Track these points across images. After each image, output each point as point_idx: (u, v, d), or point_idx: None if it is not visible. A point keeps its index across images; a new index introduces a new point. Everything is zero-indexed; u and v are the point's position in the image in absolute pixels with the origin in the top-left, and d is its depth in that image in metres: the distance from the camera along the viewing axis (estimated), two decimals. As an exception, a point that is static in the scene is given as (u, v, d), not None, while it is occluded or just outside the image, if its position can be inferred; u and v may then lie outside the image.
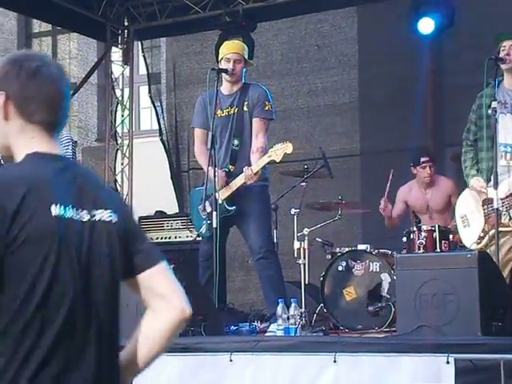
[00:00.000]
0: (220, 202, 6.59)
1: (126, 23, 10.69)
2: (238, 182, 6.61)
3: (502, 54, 5.90)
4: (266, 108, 6.70)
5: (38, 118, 2.23)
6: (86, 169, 2.41)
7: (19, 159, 2.25)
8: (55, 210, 2.14)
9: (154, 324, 2.32)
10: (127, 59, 10.75)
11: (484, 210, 5.97)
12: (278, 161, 6.47)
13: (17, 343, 2.08)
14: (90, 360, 2.17)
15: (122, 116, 10.81)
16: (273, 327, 6.30)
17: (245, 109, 6.70)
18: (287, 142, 6.42)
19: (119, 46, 10.80)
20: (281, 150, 6.41)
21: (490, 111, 5.83)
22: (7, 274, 2.08)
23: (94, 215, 2.22)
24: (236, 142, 6.72)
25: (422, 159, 7.70)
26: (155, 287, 2.31)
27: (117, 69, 10.90)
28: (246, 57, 6.89)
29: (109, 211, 2.25)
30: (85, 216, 2.21)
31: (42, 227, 2.11)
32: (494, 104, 5.78)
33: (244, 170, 6.51)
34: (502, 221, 5.83)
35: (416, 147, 8.46)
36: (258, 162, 6.51)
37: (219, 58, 6.88)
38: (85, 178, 2.28)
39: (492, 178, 5.76)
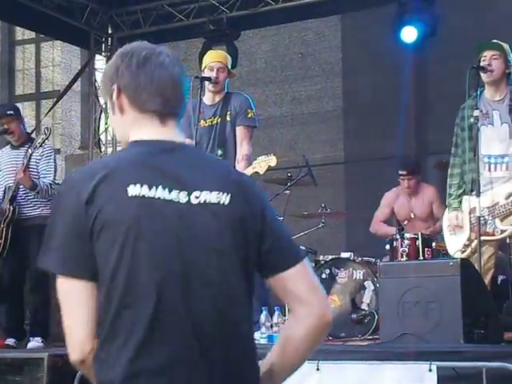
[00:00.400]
0: None
1: (109, 31, 10.68)
2: None
3: (482, 64, 5.93)
4: (249, 116, 6.71)
5: (150, 106, 2.15)
6: (197, 152, 2.26)
7: None
8: (133, 190, 2.01)
9: (295, 330, 2.15)
10: (111, 67, 10.73)
11: (470, 218, 6.00)
12: (261, 173, 6.44)
13: (110, 342, 1.99)
14: (194, 361, 2.00)
15: (106, 124, 10.79)
16: (256, 335, 6.30)
17: (227, 118, 6.71)
18: (271, 155, 6.38)
19: (103, 53, 10.79)
20: (264, 163, 6.38)
21: (472, 120, 5.85)
22: (98, 263, 2.00)
23: (198, 197, 2.05)
24: (219, 152, 6.72)
25: (400, 172, 7.74)
26: (293, 290, 2.13)
27: (100, 76, 10.86)
28: (230, 66, 6.91)
29: (218, 193, 2.06)
30: (183, 197, 2.05)
31: (118, 210, 2.01)
32: (476, 112, 5.80)
33: None
34: (487, 229, 5.85)
35: (399, 156, 8.50)
36: (243, 171, 6.51)
37: (203, 67, 6.89)
38: (192, 160, 2.14)
39: (475, 188, 5.79)
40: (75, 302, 2.03)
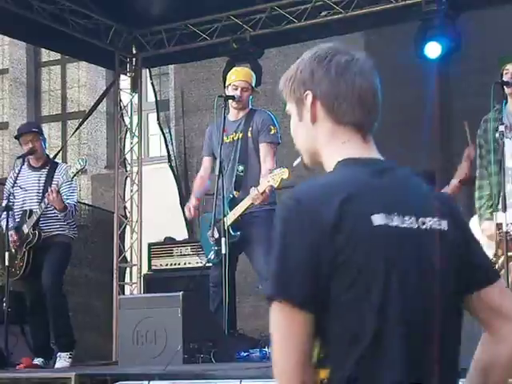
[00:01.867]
0: (225, 227, 6.62)
1: (134, 51, 10.76)
2: (243, 204, 6.63)
3: (505, 78, 5.92)
4: (272, 132, 6.75)
5: (349, 118, 2.00)
6: (405, 172, 2.06)
7: (329, 167, 2.02)
8: (377, 219, 1.89)
9: (500, 350, 2.02)
10: (135, 87, 10.81)
11: (496, 235, 5.95)
12: (275, 186, 6.49)
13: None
14: None
15: (131, 143, 10.85)
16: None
17: (249, 135, 6.75)
18: (284, 168, 6.42)
19: (128, 73, 10.85)
20: (278, 176, 6.43)
21: (497, 135, 5.84)
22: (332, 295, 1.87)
23: (424, 223, 1.96)
24: (241, 167, 6.76)
25: None
26: (498, 306, 2.02)
27: (125, 96, 10.95)
28: (254, 84, 6.94)
29: (437, 218, 1.97)
30: (414, 223, 1.94)
31: (364, 239, 1.87)
32: (501, 128, 5.79)
33: (250, 190, 6.53)
34: (515, 245, 5.82)
35: (424, 172, 8.45)
36: (261, 184, 6.55)
37: (226, 84, 6.93)
38: (406, 182, 2.03)
39: (500, 201, 5.76)
40: None
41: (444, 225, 1.98)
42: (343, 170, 1.98)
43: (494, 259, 5.93)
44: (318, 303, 1.85)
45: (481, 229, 6.07)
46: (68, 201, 7.09)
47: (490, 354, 2.03)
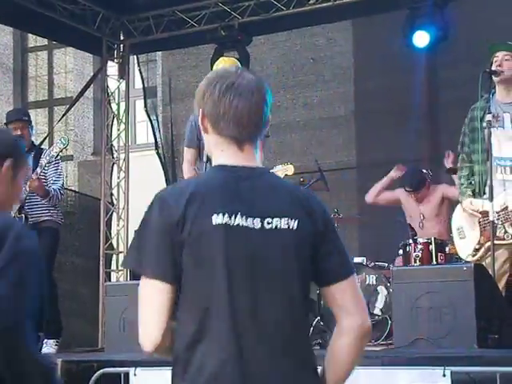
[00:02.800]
0: None
1: (121, 37, 10.71)
2: None
3: (494, 66, 5.92)
4: None
5: (227, 132, 2.38)
6: (272, 178, 2.46)
7: None
8: (217, 218, 2.27)
9: (341, 341, 2.40)
10: (123, 73, 10.76)
11: (480, 222, 5.98)
12: None
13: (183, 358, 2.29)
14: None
15: (118, 130, 10.82)
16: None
17: None
18: (288, 164, 6.44)
19: (115, 60, 10.81)
20: (281, 172, 6.43)
21: (484, 124, 5.84)
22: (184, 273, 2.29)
23: (270, 223, 2.30)
24: None
25: (407, 188, 7.86)
26: (341, 301, 2.37)
27: (113, 83, 10.91)
28: None
29: (286, 219, 2.30)
30: (257, 224, 2.29)
31: (202, 235, 2.26)
32: (488, 117, 5.79)
33: None
34: (497, 234, 5.83)
35: (412, 160, 8.49)
36: None
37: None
38: (267, 186, 2.37)
39: (487, 190, 5.77)
40: None
41: (294, 225, 2.31)
42: (210, 173, 2.47)
43: (478, 246, 5.95)
44: (174, 276, 2.28)
45: (462, 207, 6.09)
46: (53, 186, 7.07)
47: (333, 346, 2.41)
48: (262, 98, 2.40)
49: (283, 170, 6.45)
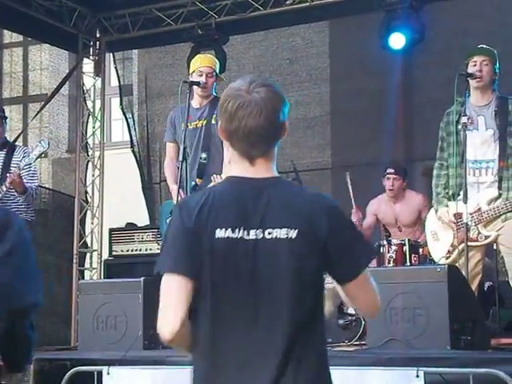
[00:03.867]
0: None
1: (97, 35, 10.67)
2: None
3: (471, 70, 5.96)
4: None
5: (238, 148, 2.54)
6: (283, 188, 2.55)
7: None
8: (220, 232, 2.41)
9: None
10: (99, 71, 10.72)
11: (455, 224, 6.01)
12: None
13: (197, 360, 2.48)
14: None
15: (93, 127, 10.77)
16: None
17: (213, 122, 6.70)
18: None
19: (91, 57, 10.77)
20: None
21: (460, 126, 5.88)
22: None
23: (271, 233, 2.41)
24: (204, 155, 6.72)
25: (388, 170, 7.78)
26: (353, 299, 2.58)
27: (88, 80, 10.87)
28: (218, 71, 6.92)
29: (285, 229, 2.40)
30: (258, 235, 2.41)
31: (208, 248, 2.41)
32: (463, 119, 5.83)
33: (212, 178, 6.48)
34: (471, 236, 5.88)
35: (386, 162, 8.52)
36: (225, 172, 6.49)
37: (191, 71, 6.89)
38: (275, 197, 2.46)
39: (461, 193, 5.81)
40: None
41: (293, 234, 2.40)
42: (224, 184, 2.60)
43: (451, 249, 5.99)
44: (194, 274, 2.42)
45: (437, 215, 6.12)
46: (29, 184, 7.04)
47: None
48: (273, 112, 2.51)
49: None
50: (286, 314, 2.39)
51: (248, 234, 2.42)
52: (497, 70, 6.03)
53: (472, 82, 5.96)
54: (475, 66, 5.94)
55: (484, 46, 6.09)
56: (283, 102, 2.55)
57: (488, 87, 6.00)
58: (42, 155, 7.13)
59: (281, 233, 2.40)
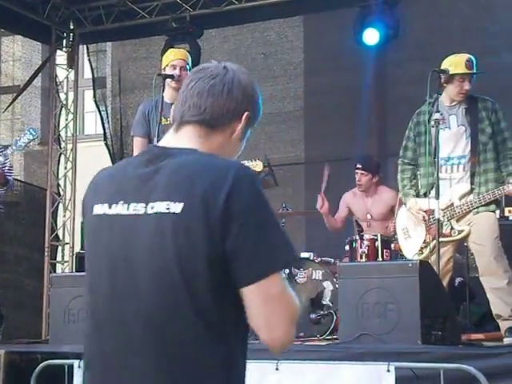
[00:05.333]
0: None
1: (71, 26, 10.60)
2: None
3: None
4: None
5: (175, 116, 2.21)
6: (189, 159, 2.06)
7: None
8: (97, 208, 2.09)
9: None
10: (72, 63, 10.66)
11: (425, 221, 6.05)
12: None
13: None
14: (131, 374, 1.99)
15: (66, 120, 10.71)
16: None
17: None
18: (257, 161, 6.42)
19: (64, 49, 10.71)
20: None
21: (432, 123, 5.91)
22: None
23: (153, 207, 2.00)
24: None
25: (357, 165, 7.81)
26: (251, 315, 1.98)
27: (61, 72, 10.80)
28: (190, 65, 6.91)
29: (167, 202, 1.98)
30: (140, 210, 2.01)
31: (87, 227, 2.14)
32: (436, 115, 5.86)
33: None
34: (444, 231, 5.91)
35: (360, 157, 8.54)
36: None
37: (163, 65, 6.87)
38: (166, 169, 2.03)
39: (433, 189, 5.85)
40: None
41: (175, 208, 1.96)
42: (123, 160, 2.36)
43: (424, 245, 6.03)
44: None
45: (407, 208, 6.15)
46: (8, 176, 7.02)
47: None
48: (228, 87, 2.13)
49: (251, 166, 6.44)
50: (154, 315, 1.98)
51: (127, 209, 2.03)
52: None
53: (444, 79, 5.99)
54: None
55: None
56: (251, 88, 2.19)
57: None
58: (31, 144, 7.08)
59: (161, 206, 1.97)
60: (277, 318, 1.96)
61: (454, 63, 5.93)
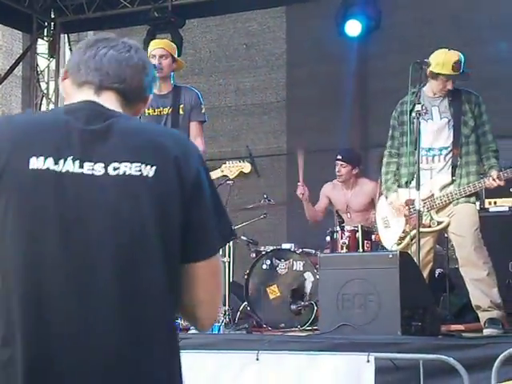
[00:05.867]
0: None
1: (52, 15, 10.54)
2: None
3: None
4: (203, 111, 6.78)
5: (85, 79, 2.06)
6: (128, 123, 2.00)
7: None
8: (37, 162, 1.87)
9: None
10: (53, 52, 10.61)
11: (405, 214, 6.07)
12: (231, 177, 6.46)
13: None
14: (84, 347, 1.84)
15: (47, 109, 10.66)
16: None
17: (180, 112, 6.70)
18: (246, 163, 6.42)
19: (45, 38, 10.65)
20: (236, 168, 6.40)
21: (413, 114, 5.92)
22: None
23: (117, 168, 1.89)
24: None
25: (337, 156, 7.82)
26: (189, 287, 1.97)
27: (42, 61, 10.75)
28: (175, 55, 6.87)
29: (138, 164, 1.90)
30: (98, 170, 1.88)
31: (12, 179, 1.88)
32: (417, 107, 5.87)
33: None
34: (423, 221, 5.93)
35: (342, 148, 8.56)
36: None
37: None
38: (121, 129, 1.95)
39: (414, 180, 5.86)
40: None
41: (148, 172, 1.90)
42: (48, 112, 2.11)
43: (403, 235, 6.05)
44: None
45: (388, 201, 6.17)
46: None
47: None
48: (143, 64, 2.09)
49: (239, 167, 6.43)
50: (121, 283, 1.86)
51: (81, 167, 1.88)
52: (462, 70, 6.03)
53: (428, 71, 6.00)
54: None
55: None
56: (151, 68, 2.12)
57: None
58: None
59: (130, 168, 1.89)
60: (218, 293, 2.04)
61: (442, 62, 5.92)
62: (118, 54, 2.06)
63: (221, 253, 2.04)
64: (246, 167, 6.41)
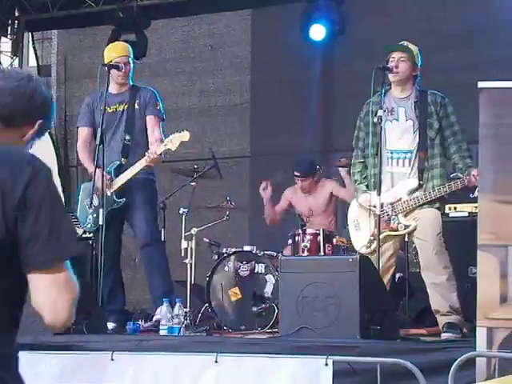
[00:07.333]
0: (109, 194, 6.78)
1: (16, 13, 10.46)
2: (134, 169, 6.79)
3: (390, 65, 6.04)
4: (158, 107, 7.01)
5: None
6: None
7: None
8: None
9: None
10: (16, 50, 10.53)
11: (375, 214, 6.10)
12: (173, 149, 6.77)
13: None
14: None
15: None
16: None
17: (136, 106, 6.96)
18: (184, 131, 6.65)
19: (8, 36, 10.56)
20: (177, 139, 6.66)
21: (375, 119, 5.96)
22: None
23: None
24: (127, 137, 6.95)
25: (295, 173, 7.90)
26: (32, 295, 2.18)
27: (5, 59, 10.67)
28: (132, 56, 7.06)
29: None
30: None
31: None
32: (379, 112, 5.91)
33: (147, 154, 6.71)
34: (391, 225, 5.98)
35: (305, 151, 8.61)
36: (157, 148, 6.72)
37: (106, 61, 6.95)
38: None
39: (377, 184, 5.90)
40: None
41: None
42: None
43: (372, 238, 6.07)
44: None
45: (358, 203, 6.20)
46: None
47: None
48: (30, 92, 2.35)
49: (179, 137, 6.69)
50: None
51: None
52: (417, 67, 6.11)
53: (390, 76, 6.05)
54: (393, 61, 6.03)
55: (405, 43, 6.16)
56: (50, 102, 2.45)
57: (407, 82, 6.08)
58: None
59: None
60: (62, 301, 2.16)
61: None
62: (5, 83, 2.31)
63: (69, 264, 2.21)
64: (185, 136, 6.67)
